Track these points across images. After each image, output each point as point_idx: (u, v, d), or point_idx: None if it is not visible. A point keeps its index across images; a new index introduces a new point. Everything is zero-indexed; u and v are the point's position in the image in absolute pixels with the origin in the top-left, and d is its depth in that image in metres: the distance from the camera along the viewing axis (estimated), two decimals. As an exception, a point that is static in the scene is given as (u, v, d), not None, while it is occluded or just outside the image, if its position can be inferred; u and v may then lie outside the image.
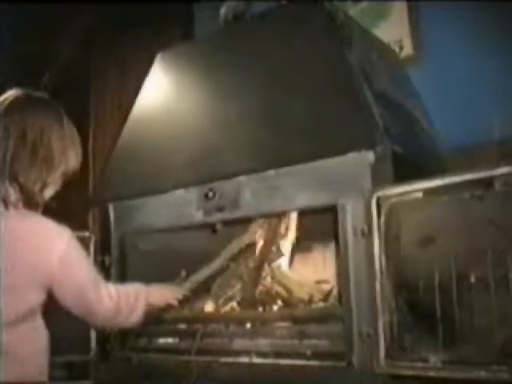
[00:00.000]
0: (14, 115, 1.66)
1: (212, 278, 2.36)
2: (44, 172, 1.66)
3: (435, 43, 2.88)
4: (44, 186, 1.67)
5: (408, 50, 2.97)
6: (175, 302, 2.03)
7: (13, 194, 1.59)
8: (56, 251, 1.60)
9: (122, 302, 1.77)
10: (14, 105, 1.69)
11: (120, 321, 1.80)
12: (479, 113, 2.59)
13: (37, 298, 1.62)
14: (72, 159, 1.74)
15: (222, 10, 2.56)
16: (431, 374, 1.56)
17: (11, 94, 1.72)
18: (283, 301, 2.16)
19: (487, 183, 1.54)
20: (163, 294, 1.98)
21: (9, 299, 1.54)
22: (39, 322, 1.67)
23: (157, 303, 1.93)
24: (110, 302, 1.73)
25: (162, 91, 2.51)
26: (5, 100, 1.70)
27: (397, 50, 2.94)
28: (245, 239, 2.40)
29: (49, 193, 1.71)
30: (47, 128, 1.68)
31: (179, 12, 3.68)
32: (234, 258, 2.40)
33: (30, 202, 1.62)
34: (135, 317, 1.82)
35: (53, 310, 1.72)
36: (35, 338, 1.65)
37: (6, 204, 1.58)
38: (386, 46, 2.73)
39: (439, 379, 1.57)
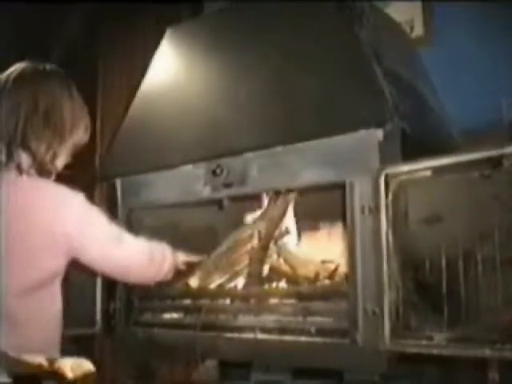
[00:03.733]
0: (26, 85, 1.66)
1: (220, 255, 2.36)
2: (55, 142, 1.67)
3: (446, 24, 2.85)
4: (55, 155, 1.68)
5: (418, 30, 2.95)
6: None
7: (25, 161, 1.60)
8: (71, 215, 1.60)
9: (156, 253, 1.77)
10: (24, 75, 1.69)
11: (153, 273, 1.80)
12: (489, 95, 2.57)
13: (54, 265, 1.62)
14: (82, 130, 1.76)
15: (232, -13, 2.54)
16: (435, 351, 1.56)
17: (20, 65, 1.73)
18: (288, 278, 2.16)
19: (496, 162, 1.52)
20: (188, 256, 1.99)
21: (23, 266, 1.54)
22: (56, 294, 1.66)
23: (182, 261, 1.94)
24: (141, 255, 1.73)
25: (171, 67, 2.49)
26: (14, 71, 1.70)
27: (407, 30, 2.91)
28: (258, 225, 2.39)
29: (60, 163, 1.72)
30: (58, 98, 1.69)
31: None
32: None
33: (42, 169, 1.63)
34: (165, 270, 1.82)
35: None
36: (48, 309, 1.65)
37: (19, 170, 1.59)
38: (397, 25, 2.70)
39: (444, 357, 1.57)
